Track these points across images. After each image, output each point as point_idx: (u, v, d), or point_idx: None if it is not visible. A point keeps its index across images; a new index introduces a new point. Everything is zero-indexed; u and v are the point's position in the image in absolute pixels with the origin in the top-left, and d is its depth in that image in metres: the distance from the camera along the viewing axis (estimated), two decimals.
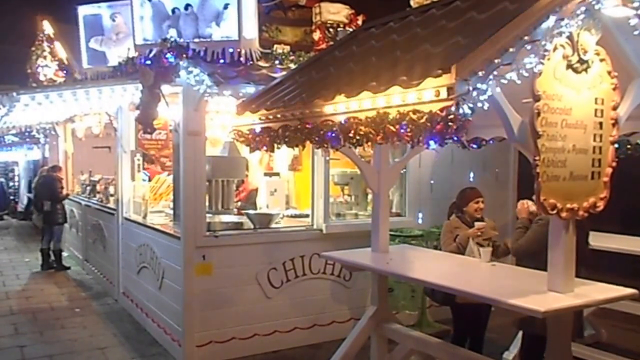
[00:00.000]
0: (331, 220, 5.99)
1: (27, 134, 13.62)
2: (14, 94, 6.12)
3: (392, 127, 2.65)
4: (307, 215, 6.24)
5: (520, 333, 4.71)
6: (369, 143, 2.99)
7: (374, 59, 3.43)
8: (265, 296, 5.61)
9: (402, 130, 2.61)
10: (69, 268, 9.87)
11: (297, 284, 5.78)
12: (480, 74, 2.46)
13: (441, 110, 2.42)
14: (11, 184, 20.02)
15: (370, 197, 6.46)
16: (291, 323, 5.75)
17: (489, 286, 3.45)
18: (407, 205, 6.61)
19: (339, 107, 3.14)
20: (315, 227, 5.92)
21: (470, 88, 2.40)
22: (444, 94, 2.42)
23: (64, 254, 10.24)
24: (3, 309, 7.22)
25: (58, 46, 9.70)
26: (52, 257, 9.95)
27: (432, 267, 4.15)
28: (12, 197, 19.32)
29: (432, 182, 6.71)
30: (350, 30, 5.90)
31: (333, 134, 3.17)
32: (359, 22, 6.22)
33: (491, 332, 4.78)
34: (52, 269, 9.82)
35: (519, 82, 2.62)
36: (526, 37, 2.63)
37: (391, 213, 5.74)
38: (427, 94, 2.51)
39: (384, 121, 2.73)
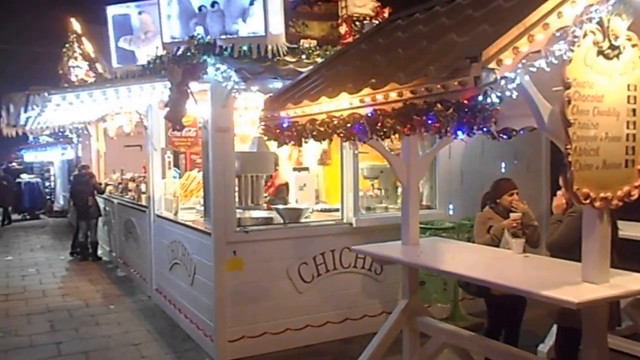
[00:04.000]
0: (361, 214, 5.98)
1: (60, 134, 13.98)
2: (46, 94, 6.27)
3: (419, 118, 2.63)
4: (336, 210, 6.24)
5: (556, 325, 4.62)
6: (397, 135, 2.97)
7: (400, 51, 3.40)
8: (296, 291, 5.64)
9: (429, 121, 2.59)
10: (101, 259, 10.60)
11: (328, 278, 5.80)
12: (508, 62, 2.41)
13: (468, 99, 2.38)
14: (47, 183, 20.55)
15: (400, 190, 6.40)
16: (323, 317, 5.77)
17: (522, 277, 3.40)
18: (438, 197, 6.55)
19: (366, 100, 3.13)
20: (345, 221, 5.91)
21: (498, 77, 2.36)
22: (470, 83, 2.39)
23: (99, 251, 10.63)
24: (40, 307, 7.42)
25: (88, 46, 9.89)
26: (90, 250, 10.61)
27: (463, 259, 4.09)
28: (48, 197, 19.83)
29: (462, 173, 6.63)
30: (377, 22, 5.86)
31: (360, 127, 3.16)
32: (385, 15, 6.17)
33: (526, 324, 4.70)
34: (87, 260, 10.53)
35: (548, 69, 2.57)
36: (554, 24, 2.57)
37: (421, 205, 5.70)
38: (453, 84, 2.48)
39: (410, 112, 2.70)
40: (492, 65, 2.38)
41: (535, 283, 3.07)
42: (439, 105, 2.51)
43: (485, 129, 2.53)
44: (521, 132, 4.10)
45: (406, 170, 4.28)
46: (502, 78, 2.38)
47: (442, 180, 6.55)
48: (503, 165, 6.86)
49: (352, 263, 5.91)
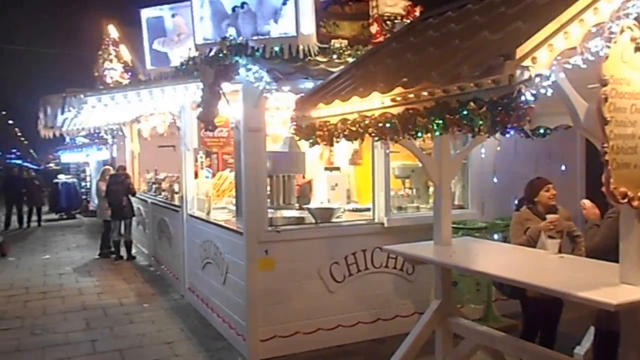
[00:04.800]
0: (392, 213, 5.96)
1: (96, 135, 14.30)
2: (82, 96, 6.44)
3: (451, 117, 2.61)
4: (368, 209, 6.23)
5: (593, 327, 4.51)
6: (428, 134, 2.96)
7: (432, 49, 3.38)
8: (327, 290, 5.65)
9: (462, 120, 2.57)
10: (134, 258, 10.86)
11: (359, 278, 5.79)
12: (542, 59, 2.38)
13: (502, 98, 2.36)
14: (83, 184, 21.03)
15: (431, 189, 6.37)
16: (354, 317, 5.77)
17: (558, 278, 3.34)
18: (470, 197, 6.49)
19: (397, 99, 3.12)
20: (376, 220, 5.90)
21: (532, 74, 2.33)
22: (504, 81, 2.36)
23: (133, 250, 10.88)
24: (76, 305, 7.60)
25: (123, 49, 10.11)
26: (124, 249, 10.94)
27: (497, 259, 4.04)
28: (83, 197, 20.30)
29: (495, 173, 6.55)
30: (408, 21, 5.83)
31: (391, 126, 3.16)
32: (416, 14, 6.14)
33: (562, 325, 4.61)
34: (122, 259, 10.85)
35: (584, 66, 2.52)
36: (590, 20, 2.52)
37: (453, 205, 5.65)
38: (486, 82, 2.45)
39: (443, 111, 2.69)
40: (527, 62, 2.34)
41: (571, 284, 3.01)
42: (472, 104, 2.49)
43: (519, 128, 2.49)
44: (556, 130, 4.03)
45: (438, 169, 4.25)
46: (536, 76, 2.35)
47: (474, 179, 6.49)
48: (537, 164, 6.73)
49: (384, 263, 5.89)
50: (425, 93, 2.84)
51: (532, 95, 2.33)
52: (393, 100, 3.14)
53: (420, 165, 4.41)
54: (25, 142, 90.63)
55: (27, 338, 6.23)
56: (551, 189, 4.48)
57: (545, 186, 4.49)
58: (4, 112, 71.45)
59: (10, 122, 78.40)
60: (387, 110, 3.19)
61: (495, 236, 5.91)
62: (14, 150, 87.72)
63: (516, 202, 5.01)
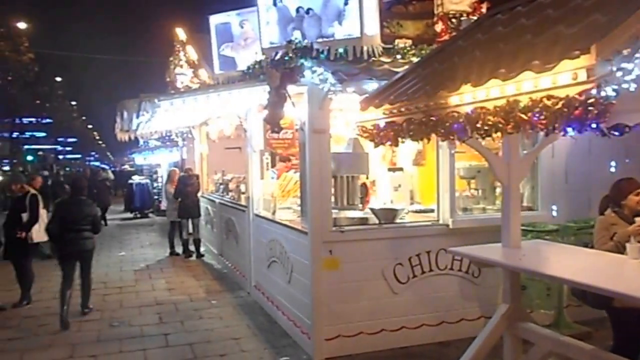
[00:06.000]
0: (458, 215, 5.84)
1: (167, 137, 14.84)
2: (156, 100, 6.73)
3: (523, 116, 2.53)
4: (432, 211, 6.14)
5: None
6: (498, 133, 2.88)
7: (501, 45, 3.30)
8: (391, 291, 5.61)
9: (535, 118, 2.49)
10: (203, 256, 11.18)
11: (423, 280, 5.72)
12: (625, 52, 2.26)
13: (580, 94, 2.26)
14: (155, 184, 21.90)
15: (498, 190, 6.21)
16: (419, 319, 5.70)
17: None
18: (540, 198, 6.26)
19: (465, 98, 3.06)
20: (441, 222, 5.81)
21: (614, 68, 2.22)
22: (582, 76, 2.27)
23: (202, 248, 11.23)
24: (149, 300, 7.94)
25: (192, 55, 10.45)
26: (193, 246, 11.32)
27: (572, 263, 3.85)
28: (155, 197, 21.12)
29: (567, 173, 6.28)
30: (474, 19, 5.70)
31: (460, 126, 3.10)
32: (483, 10, 6.00)
33: None
34: (191, 257, 11.21)
35: None
36: None
37: (522, 207, 5.46)
38: (563, 78, 2.36)
39: (514, 109, 2.62)
40: (607, 56, 2.24)
41: None
42: (545, 101, 2.41)
43: (595, 125, 2.38)
44: (635, 128, 3.82)
45: (507, 169, 4.13)
46: (618, 70, 2.23)
47: (544, 180, 6.25)
48: (613, 164, 6.39)
49: (449, 265, 5.79)
50: (495, 91, 2.77)
51: (614, 90, 2.22)
52: (461, 99, 3.09)
53: (486, 165, 4.30)
54: (103, 145, 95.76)
55: (106, 330, 6.57)
56: None
57: (635, 189, 4.16)
58: (84, 118, 75.88)
59: (90, 126, 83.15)
60: (455, 109, 3.14)
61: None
62: (92, 153, 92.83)
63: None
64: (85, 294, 7.29)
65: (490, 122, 2.81)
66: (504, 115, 2.71)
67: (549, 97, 2.41)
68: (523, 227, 4.97)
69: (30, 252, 7.91)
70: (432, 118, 3.34)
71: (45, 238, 7.79)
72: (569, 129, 2.35)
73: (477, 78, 2.93)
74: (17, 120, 48.79)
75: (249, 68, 6.87)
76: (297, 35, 5.66)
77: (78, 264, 7.07)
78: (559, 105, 2.33)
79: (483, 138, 3.12)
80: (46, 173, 24.91)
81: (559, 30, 2.82)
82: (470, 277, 5.86)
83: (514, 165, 4.12)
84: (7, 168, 44.63)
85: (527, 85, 2.57)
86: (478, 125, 2.91)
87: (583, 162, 6.26)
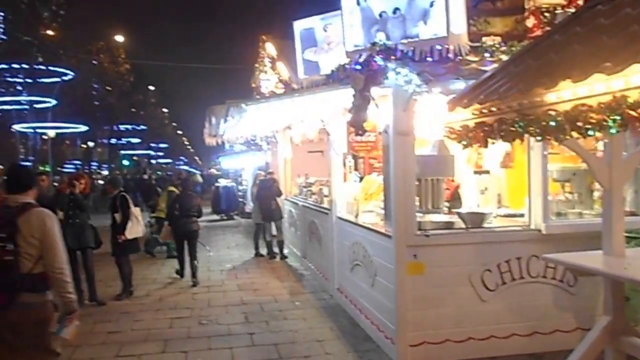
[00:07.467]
0: (551, 220, 5.53)
1: (252, 142, 15.25)
2: (243, 105, 6.91)
3: (633, 112, 2.34)
4: (521, 215, 5.87)
5: None
6: (602, 132, 2.68)
7: (604, 38, 3.07)
8: (479, 299, 5.41)
9: None
10: (286, 257, 11.37)
11: (513, 288, 5.46)
12: None
13: None
14: (240, 187, 22.59)
15: (596, 194, 5.84)
16: (508, 329, 5.45)
17: None
18: None
19: (564, 95, 2.88)
20: (532, 227, 5.53)
21: None
22: None
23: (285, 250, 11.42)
24: (235, 299, 8.15)
25: (277, 61, 10.67)
26: (277, 249, 11.57)
27: None
28: (240, 199, 21.77)
29: None
30: (571, 11, 5.39)
31: (556, 125, 2.92)
32: (579, 2, 5.65)
33: None
34: (275, 259, 11.45)
35: None
36: None
37: (625, 212, 5.09)
38: None
39: (621, 106, 2.43)
40: None
41: None
42: None
43: None
44: None
45: (608, 172, 3.86)
46: None
47: None
48: None
49: (541, 272, 5.50)
50: (599, 86, 2.59)
51: None
52: (559, 96, 2.91)
53: (582, 167, 4.05)
54: (191, 149, 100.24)
55: (196, 327, 6.81)
56: None
57: None
58: (174, 124, 79.90)
59: (179, 132, 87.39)
60: (552, 107, 2.97)
61: None
62: (182, 158, 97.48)
63: None
64: (193, 269, 9.20)
65: (592, 120, 2.63)
66: (609, 112, 2.52)
67: None
68: (626, 234, 4.63)
69: (127, 249, 8.38)
70: (526, 117, 3.18)
71: (140, 234, 8.57)
72: None
73: (579, 74, 2.74)
74: (115, 128, 52.34)
75: (332, 71, 6.89)
76: (381, 37, 5.61)
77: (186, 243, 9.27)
78: None
79: (584, 137, 2.92)
80: (145, 176, 26.95)
81: None
82: (565, 285, 5.53)
83: (616, 167, 3.85)
84: (105, 172, 47.87)
85: (637, 79, 2.38)
86: (579, 123, 2.73)
87: None
